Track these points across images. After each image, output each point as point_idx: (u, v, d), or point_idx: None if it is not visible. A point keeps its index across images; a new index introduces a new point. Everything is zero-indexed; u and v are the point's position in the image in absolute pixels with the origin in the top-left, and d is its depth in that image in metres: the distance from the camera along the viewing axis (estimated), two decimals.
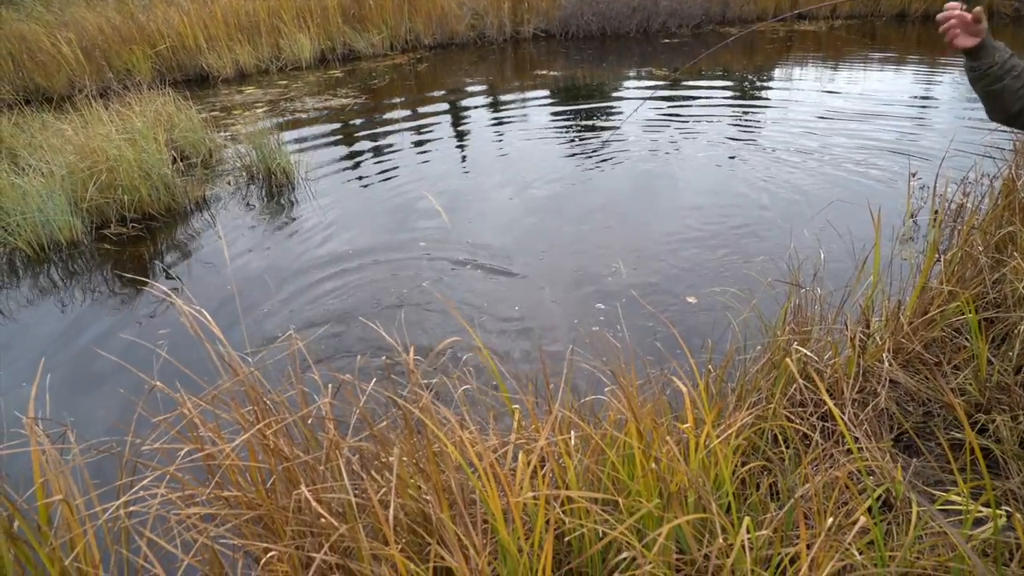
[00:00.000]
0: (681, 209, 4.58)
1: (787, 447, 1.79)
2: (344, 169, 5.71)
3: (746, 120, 6.65)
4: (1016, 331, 2.08)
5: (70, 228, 4.31)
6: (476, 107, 7.75)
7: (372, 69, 9.57)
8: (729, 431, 1.54)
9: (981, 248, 2.40)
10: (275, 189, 5.25)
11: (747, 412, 1.66)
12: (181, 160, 5.45)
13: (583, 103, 7.73)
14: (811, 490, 1.42)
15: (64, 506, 1.34)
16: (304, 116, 7.30)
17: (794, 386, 1.93)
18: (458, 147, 6.30)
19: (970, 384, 2.02)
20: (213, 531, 1.41)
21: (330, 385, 1.58)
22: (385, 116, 7.35)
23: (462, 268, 3.85)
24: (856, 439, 1.73)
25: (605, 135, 6.34)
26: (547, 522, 1.32)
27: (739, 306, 2.56)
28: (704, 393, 1.64)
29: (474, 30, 10.97)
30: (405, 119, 7.26)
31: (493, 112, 7.52)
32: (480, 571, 1.23)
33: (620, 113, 7.18)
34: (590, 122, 6.88)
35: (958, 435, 1.90)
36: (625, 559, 1.34)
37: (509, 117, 7.26)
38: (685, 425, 1.49)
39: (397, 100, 8.02)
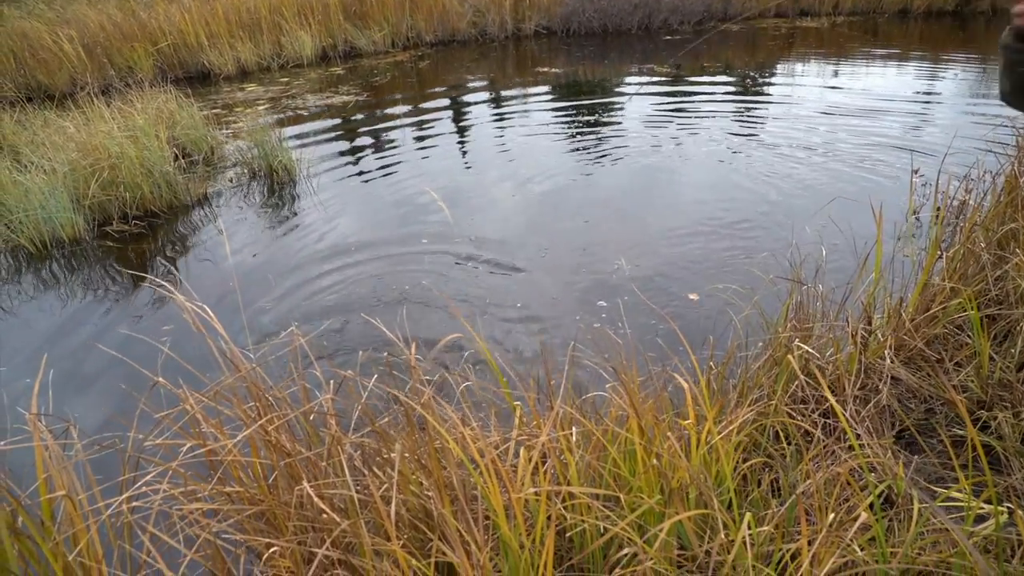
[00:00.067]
0: (683, 205, 4.57)
1: (788, 443, 1.79)
2: (346, 165, 5.72)
3: (748, 116, 6.64)
4: (1018, 328, 2.07)
5: (72, 225, 4.32)
6: (477, 104, 7.74)
7: (373, 66, 9.56)
8: (730, 427, 1.54)
9: (983, 245, 2.39)
10: (276, 186, 5.25)
11: (749, 409, 1.66)
12: (183, 157, 5.46)
13: (585, 99, 7.72)
14: (812, 486, 1.42)
15: (67, 501, 1.34)
16: (305, 113, 7.30)
17: (796, 383, 1.92)
18: (459, 143, 6.29)
19: (972, 381, 2.02)
20: (215, 526, 1.41)
21: (332, 381, 1.59)
22: (386, 113, 7.35)
23: (464, 263, 3.85)
24: (858, 436, 1.73)
25: (605, 130, 6.33)
26: (548, 518, 1.32)
27: (741, 303, 2.56)
28: (705, 389, 1.64)
29: (475, 27, 10.96)
30: (406, 115, 7.26)
31: (494, 109, 7.52)
32: (482, 567, 1.23)
33: (622, 109, 7.17)
34: (592, 118, 6.87)
35: (960, 432, 1.90)
36: (626, 555, 1.35)
37: (510, 113, 7.26)
38: (686, 421, 1.49)
39: (398, 97, 8.01)
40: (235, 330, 2.98)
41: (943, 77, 7.98)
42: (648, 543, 1.33)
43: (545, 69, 9.24)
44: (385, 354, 2.99)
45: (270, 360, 2.72)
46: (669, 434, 1.45)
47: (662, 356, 2.52)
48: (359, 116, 7.22)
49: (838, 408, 1.55)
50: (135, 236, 4.45)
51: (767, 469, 1.77)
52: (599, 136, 6.22)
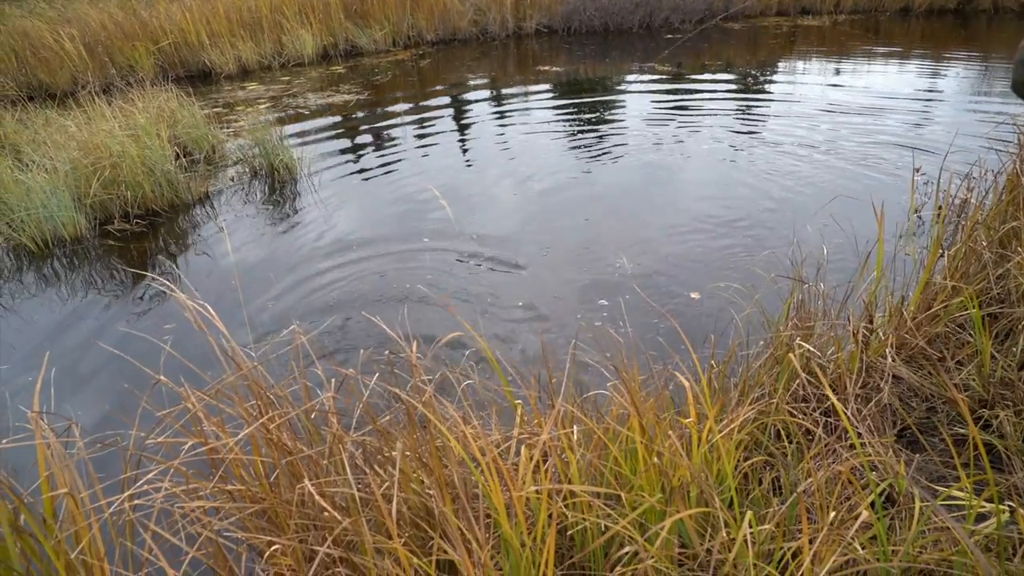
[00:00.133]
0: (684, 203, 4.57)
1: (790, 442, 1.79)
2: (346, 163, 5.72)
3: (749, 114, 6.63)
4: (1020, 326, 2.07)
5: (74, 224, 4.32)
6: (478, 102, 7.74)
7: (374, 65, 9.56)
8: (732, 426, 1.54)
9: (985, 243, 2.39)
10: (278, 184, 5.25)
11: (750, 407, 1.66)
12: (184, 156, 5.46)
13: (585, 97, 7.71)
14: (814, 485, 1.42)
15: (69, 499, 1.34)
16: (306, 112, 7.30)
17: (797, 381, 1.92)
18: (460, 141, 6.29)
19: (973, 379, 2.02)
20: (217, 524, 1.41)
21: (333, 379, 1.59)
22: (387, 111, 7.35)
23: (465, 261, 3.85)
24: (859, 434, 1.73)
25: (606, 128, 6.33)
26: (549, 516, 1.32)
27: (742, 301, 2.56)
28: (707, 388, 1.64)
29: (476, 26, 10.95)
30: (407, 114, 7.25)
31: (495, 107, 7.51)
32: (483, 565, 1.23)
33: (623, 107, 7.16)
34: (592, 116, 6.86)
35: (961, 430, 1.89)
36: (627, 553, 1.35)
37: (511, 112, 7.25)
38: (688, 420, 1.49)
39: (399, 95, 8.00)
40: (236, 328, 2.99)
41: (945, 75, 7.97)
42: (649, 541, 1.33)
43: (546, 67, 9.23)
44: (386, 352, 3.00)
45: (271, 358, 2.72)
46: (670, 432, 1.45)
47: (663, 354, 2.52)
48: (360, 114, 7.22)
49: (839, 406, 1.55)
50: (136, 234, 4.45)
51: (768, 467, 1.77)
52: (600, 134, 6.21)
